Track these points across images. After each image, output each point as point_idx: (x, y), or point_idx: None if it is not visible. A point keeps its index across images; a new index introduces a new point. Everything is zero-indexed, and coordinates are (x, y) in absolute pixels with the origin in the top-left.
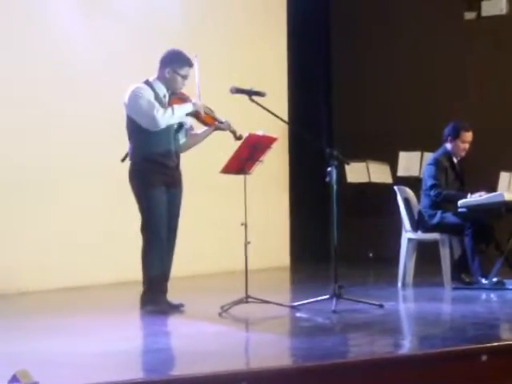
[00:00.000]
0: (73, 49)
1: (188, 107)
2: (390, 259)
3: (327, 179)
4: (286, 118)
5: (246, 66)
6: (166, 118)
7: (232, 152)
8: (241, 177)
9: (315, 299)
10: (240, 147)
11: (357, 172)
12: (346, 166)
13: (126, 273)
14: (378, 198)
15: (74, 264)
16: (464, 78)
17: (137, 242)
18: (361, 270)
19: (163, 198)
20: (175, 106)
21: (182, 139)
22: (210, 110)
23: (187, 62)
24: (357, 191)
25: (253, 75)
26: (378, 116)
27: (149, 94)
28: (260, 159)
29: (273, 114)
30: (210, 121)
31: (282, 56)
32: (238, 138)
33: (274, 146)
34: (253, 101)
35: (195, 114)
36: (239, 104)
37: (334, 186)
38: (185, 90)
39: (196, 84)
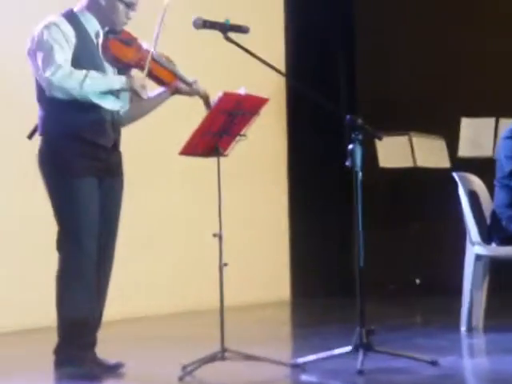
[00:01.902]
0: None
1: (115, 82)
2: (447, 288)
3: (348, 163)
4: (282, 69)
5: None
6: (67, 85)
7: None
8: (212, 162)
9: (330, 353)
10: (210, 114)
11: (394, 151)
12: (378, 143)
13: (36, 316)
14: (427, 191)
15: None
16: None
17: (51, 265)
18: (402, 305)
19: (93, 193)
20: (91, 75)
21: (123, 105)
22: (170, 61)
23: None
24: (395, 182)
25: (232, 8)
26: (426, 64)
27: (61, 35)
28: (241, 133)
29: (261, 60)
30: (168, 78)
31: None
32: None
33: (264, 111)
34: (229, 40)
35: (142, 67)
36: (210, 52)
37: (359, 174)
38: (132, 29)
39: (156, 30)
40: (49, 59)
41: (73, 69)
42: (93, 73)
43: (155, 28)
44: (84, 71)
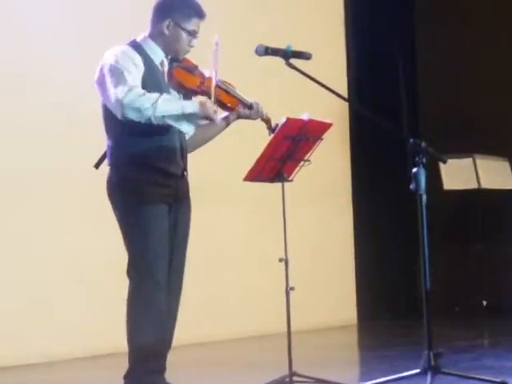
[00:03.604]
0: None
1: (188, 106)
2: None
3: (412, 186)
4: (345, 93)
5: (284, 22)
6: (139, 104)
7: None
8: (277, 187)
9: (398, 375)
10: (274, 140)
11: (458, 174)
12: (442, 166)
13: (107, 342)
14: (492, 213)
15: (33, 332)
16: None
17: (123, 292)
18: (470, 327)
19: (163, 220)
20: (165, 98)
21: (189, 131)
22: (231, 86)
23: (196, 11)
24: (459, 204)
25: (294, 35)
26: (488, 84)
27: (131, 62)
28: (305, 158)
29: (323, 85)
30: (232, 103)
31: (337, 7)
32: (274, 129)
33: (327, 136)
34: (291, 66)
35: (207, 93)
36: (273, 78)
37: (424, 197)
38: (192, 57)
39: (212, 68)
40: (120, 81)
41: (146, 91)
42: (166, 95)
43: (211, 58)
44: (157, 93)
